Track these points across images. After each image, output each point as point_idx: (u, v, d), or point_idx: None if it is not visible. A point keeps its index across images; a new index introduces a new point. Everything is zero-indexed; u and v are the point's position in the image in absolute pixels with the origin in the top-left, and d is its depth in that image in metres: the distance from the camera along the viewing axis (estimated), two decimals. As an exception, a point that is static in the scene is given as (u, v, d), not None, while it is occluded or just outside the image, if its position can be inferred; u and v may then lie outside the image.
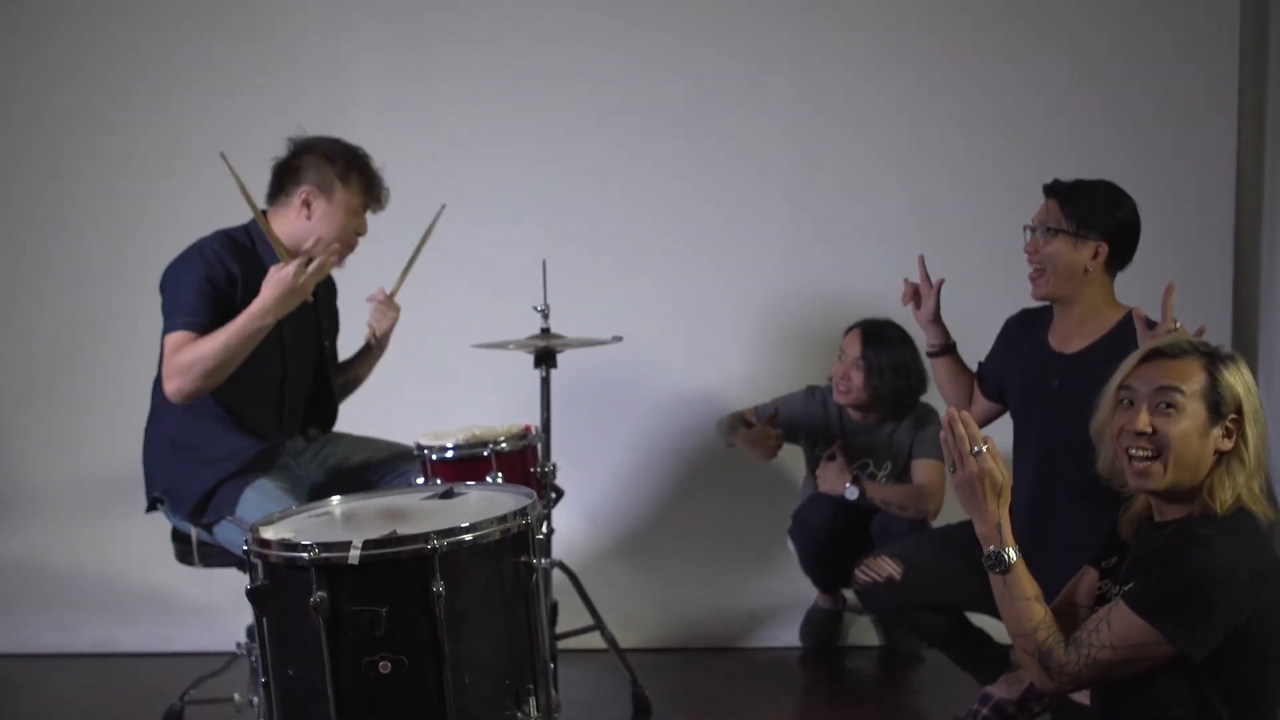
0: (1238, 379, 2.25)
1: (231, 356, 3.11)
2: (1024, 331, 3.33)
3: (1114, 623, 2.17)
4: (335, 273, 3.44)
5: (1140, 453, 2.25)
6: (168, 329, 3.18)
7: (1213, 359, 2.26)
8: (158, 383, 3.33)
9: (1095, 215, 3.09)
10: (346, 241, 3.34)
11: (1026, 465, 3.23)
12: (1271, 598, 2.17)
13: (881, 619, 3.30)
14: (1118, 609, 2.18)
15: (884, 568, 3.32)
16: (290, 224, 3.32)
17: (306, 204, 3.30)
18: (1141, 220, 3.21)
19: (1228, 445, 2.23)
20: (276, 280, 3.09)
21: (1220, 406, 2.22)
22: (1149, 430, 2.24)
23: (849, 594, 4.02)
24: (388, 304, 3.59)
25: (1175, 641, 2.13)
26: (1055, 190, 3.15)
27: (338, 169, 3.30)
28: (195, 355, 3.10)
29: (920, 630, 3.45)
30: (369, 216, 3.41)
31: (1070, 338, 3.18)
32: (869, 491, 3.83)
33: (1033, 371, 3.24)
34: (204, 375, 3.11)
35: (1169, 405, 2.23)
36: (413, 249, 3.56)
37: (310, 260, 3.13)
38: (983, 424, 3.46)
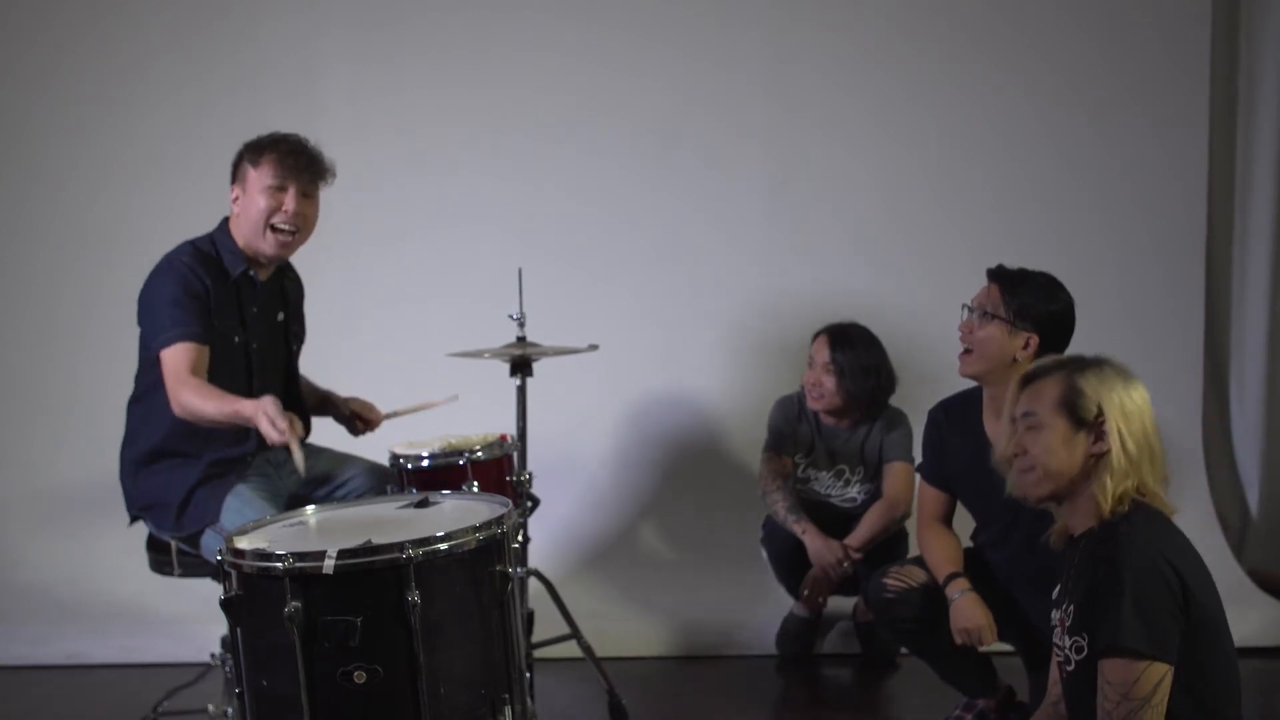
0: (1097, 382, 2.34)
1: (216, 423, 3.14)
2: (953, 424, 3.32)
3: (1110, 677, 2.19)
4: (304, 275, 3.41)
5: (1022, 468, 2.41)
6: (165, 343, 3.15)
7: (1072, 369, 2.37)
8: (133, 403, 3.31)
9: (1033, 307, 3.13)
10: (271, 222, 3.25)
11: (1002, 561, 3.26)
12: (1192, 574, 2.23)
13: (893, 631, 3.21)
14: (1100, 666, 2.21)
15: (919, 574, 3.27)
16: (235, 226, 3.32)
17: (236, 200, 3.31)
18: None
19: (1103, 448, 2.31)
20: (265, 417, 2.98)
21: (1079, 412, 2.33)
22: (1021, 450, 2.40)
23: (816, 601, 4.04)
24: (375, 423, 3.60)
25: (1153, 650, 2.16)
26: (998, 276, 3.20)
27: (251, 157, 3.29)
28: (200, 398, 3.11)
29: (912, 642, 3.37)
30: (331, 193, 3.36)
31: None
32: (856, 546, 3.91)
33: (985, 483, 3.12)
34: (196, 420, 3.15)
35: (1029, 426, 2.38)
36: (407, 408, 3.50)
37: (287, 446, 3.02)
38: (949, 518, 3.39)
